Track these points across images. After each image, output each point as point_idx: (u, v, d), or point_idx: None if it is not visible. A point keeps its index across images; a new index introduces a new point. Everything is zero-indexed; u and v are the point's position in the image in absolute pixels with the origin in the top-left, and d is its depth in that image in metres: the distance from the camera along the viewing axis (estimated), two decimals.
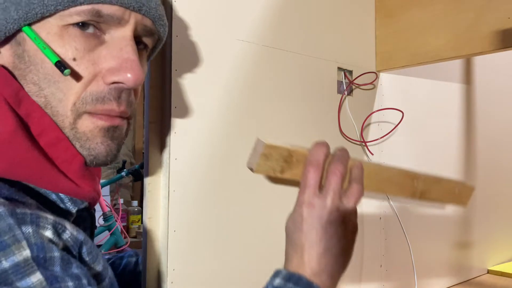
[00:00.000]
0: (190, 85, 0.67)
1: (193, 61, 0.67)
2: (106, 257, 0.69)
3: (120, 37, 0.44)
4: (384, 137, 0.97)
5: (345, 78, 0.90)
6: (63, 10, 0.41)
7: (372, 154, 0.95)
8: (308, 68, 0.83)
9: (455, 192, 0.71)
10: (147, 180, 0.64)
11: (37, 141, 0.40)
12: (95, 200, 0.46)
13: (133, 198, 2.91)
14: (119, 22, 0.43)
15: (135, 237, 2.44)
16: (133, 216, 2.51)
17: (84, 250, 0.39)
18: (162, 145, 0.65)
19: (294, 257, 0.50)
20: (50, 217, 0.36)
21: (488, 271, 1.35)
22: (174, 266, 0.63)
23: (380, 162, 0.98)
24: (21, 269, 0.31)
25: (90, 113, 0.43)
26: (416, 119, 1.09)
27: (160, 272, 0.63)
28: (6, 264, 0.31)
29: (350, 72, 0.92)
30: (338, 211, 0.50)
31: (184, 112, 0.66)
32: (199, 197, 0.67)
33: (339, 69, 0.89)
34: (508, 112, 1.47)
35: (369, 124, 0.96)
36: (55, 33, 0.41)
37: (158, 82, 0.66)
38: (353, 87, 0.92)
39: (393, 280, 1.01)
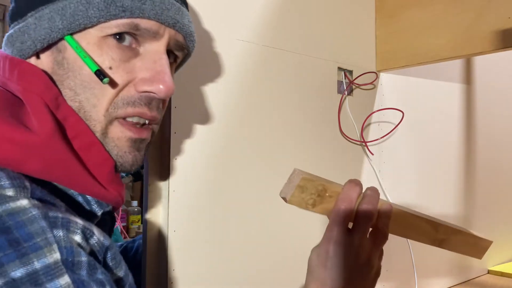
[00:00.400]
0: (190, 85, 0.67)
1: (193, 61, 0.67)
2: (119, 243, 0.71)
3: (154, 50, 0.46)
4: (384, 137, 0.97)
5: (345, 78, 0.90)
6: (105, 22, 0.43)
7: (372, 154, 0.95)
8: (308, 68, 0.83)
9: (472, 244, 0.73)
10: (147, 180, 0.64)
11: (71, 144, 0.42)
12: (119, 204, 0.47)
13: (133, 198, 2.91)
14: (155, 36, 0.46)
15: (134, 237, 2.43)
16: (133, 216, 2.51)
17: (109, 255, 0.39)
18: (162, 145, 0.65)
19: None
20: (80, 221, 0.37)
21: (489, 271, 1.35)
22: (174, 266, 0.63)
23: (381, 161, 0.98)
24: (51, 271, 0.32)
25: (120, 121, 0.45)
26: (416, 119, 1.09)
27: (160, 272, 0.63)
28: (37, 265, 0.32)
29: (350, 72, 0.92)
30: (365, 254, 0.50)
31: (184, 112, 0.66)
32: (199, 197, 0.67)
33: (339, 69, 0.89)
34: (508, 112, 1.47)
35: (369, 124, 0.96)
36: (94, 43, 0.44)
37: None
38: (353, 87, 0.92)
39: (394, 280, 1.01)
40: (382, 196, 0.98)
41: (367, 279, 0.50)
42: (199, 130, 0.67)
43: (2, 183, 0.34)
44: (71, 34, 0.44)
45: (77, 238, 0.36)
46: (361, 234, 0.50)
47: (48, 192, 0.39)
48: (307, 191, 0.52)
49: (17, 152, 0.37)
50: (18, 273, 0.31)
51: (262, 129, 0.75)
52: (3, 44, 0.46)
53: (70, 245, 0.35)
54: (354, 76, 0.92)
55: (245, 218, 0.72)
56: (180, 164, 0.65)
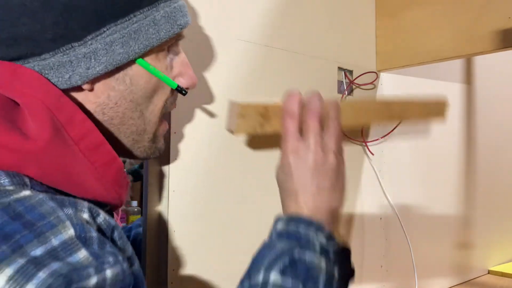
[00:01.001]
0: None
1: (193, 61, 0.67)
2: None
3: (179, 50, 0.53)
4: (385, 137, 0.97)
5: (345, 78, 0.90)
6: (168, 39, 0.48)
7: (373, 154, 0.95)
8: (309, 68, 0.83)
9: (430, 108, 0.78)
10: (147, 180, 0.64)
11: (76, 146, 0.41)
12: (118, 206, 0.47)
13: (132, 198, 2.90)
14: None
15: None
16: (132, 216, 2.51)
17: (116, 234, 0.40)
18: None
19: (290, 204, 0.53)
20: (85, 202, 0.38)
21: (489, 272, 1.35)
22: (173, 266, 0.63)
23: (381, 161, 0.98)
24: (68, 246, 0.33)
25: (162, 120, 0.52)
26: None
27: (160, 272, 0.63)
28: (55, 242, 0.32)
29: (351, 72, 0.91)
30: (322, 151, 0.53)
31: (184, 112, 0.66)
32: (199, 197, 0.67)
33: (340, 69, 0.89)
34: (508, 112, 1.47)
35: (369, 129, 0.96)
36: (154, 57, 0.48)
37: None
38: (353, 87, 0.92)
39: (394, 280, 1.01)
40: (382, 196, 0.99)
41: (334, 173, 0.54)
42: (199, 130, 0.67)
43: (2, 181, 0.34)
44: (142, 56, 0.46)
45: (85, 215, 0.37)
46: (314, 135, 0.53)
47: (48, 188, 0.39)
48: (249, 117, 0.56)
49: (13, 159, 0.36)
50: (38, 251, 0.31)
51: None
52: (39, 72, 0.42)
53: (80, 222, 0.36)
54: (354, 76, 0.92)
55: (246, 218, 0.72)
56: (180, 164, 0.65)
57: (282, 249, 0.47)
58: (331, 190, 0.54)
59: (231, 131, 0.56)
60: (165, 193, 0.64)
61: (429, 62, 0.90)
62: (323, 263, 0.47)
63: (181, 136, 0.65)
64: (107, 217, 0.40)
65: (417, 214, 1.08)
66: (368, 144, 0.94)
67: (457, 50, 0.85)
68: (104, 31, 0.42)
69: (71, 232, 0.34)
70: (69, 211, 0.35)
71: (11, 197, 0.33)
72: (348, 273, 0.53)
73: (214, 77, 0.69)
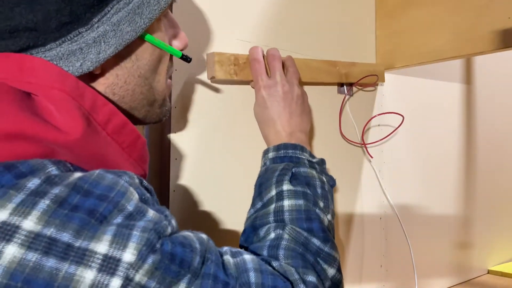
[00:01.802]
0: (190, 85, 0.67)
1: (193, 61, 0.67)
2: None
3: (167, 10, 0.51)
4: (384, 139, 0.97)
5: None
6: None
7: (372, 157, 0.95)
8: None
9: (370, 70, 0.91)
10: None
11: (104, 131, 0.41)
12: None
13: None
14: None
15: None
16: None
17: (155, 198, 0.41)
18: (162, 145, 0.65)
19: (270, 132, 0.66)
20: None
21: (489, 271, 1.35)
22: None
23: (381, 161, 0.98)
24: (140, 209, 0.35)
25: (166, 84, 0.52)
26: (416, 119, 1.09)
27: None
28: (130, 207, 0.35)
29: None
30: (288, 83, 0.68)
31: (184, 112, 0.66)
32: (199, 197, 0.67)
33: None
34: (509, 112, 1.47)
35: (369, 128, 0.96)
36: (154, 28, 0.47)
37: None
38: (354, 89, 0.92)
39: (394, 280, 1.01)
40: (382, 196, 0.99)
41: (300, 100, 0.68)
42: (199, 130, 0.67)
43: (50, 169, 0.34)
44: (149, 32, 0.46)
45: (137, 181, 0.38)
46: (279, 72, 0.68)
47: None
48: (225, 64, 0.66)
49: (46, 150, 0.36)
50: (119, 219, 0.34)
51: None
52: (52, 61, 0.41)
53: (137, 186, 0.38)
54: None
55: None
56: (180, 164, 0.65)
57: (283, 168, 0.58)
58: (301, 115, 0.68)
59: (213, 77, 0.65)
60: (165, 193, 0.64)
61: (429, 62, 0.90)
62: (314, 172, 0.60)
63: (181, 136, 0.65)
64: (146, 183, 0.41)
65: (417, 214, 1.08)
66: (368, 146, 0.94)
67: (457, 50, 0.85)
68: (109, 11, 0.41)
69: (136, 196, 0.36)
70: (126, 178, 0.37)
71: (71, 178, 0.34)
72: (330, 179, 0.63)
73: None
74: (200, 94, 0.68)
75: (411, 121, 1.08)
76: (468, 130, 1.28)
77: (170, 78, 0.56)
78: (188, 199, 0.66)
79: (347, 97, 0.90)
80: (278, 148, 0.63)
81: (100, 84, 0.44)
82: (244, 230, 0.57)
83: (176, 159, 0.64)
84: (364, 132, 0.94)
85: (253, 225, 0.55)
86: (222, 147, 0.70)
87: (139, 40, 0.45)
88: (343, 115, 0.90)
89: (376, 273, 0.97)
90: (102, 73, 0.44)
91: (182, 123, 0.65)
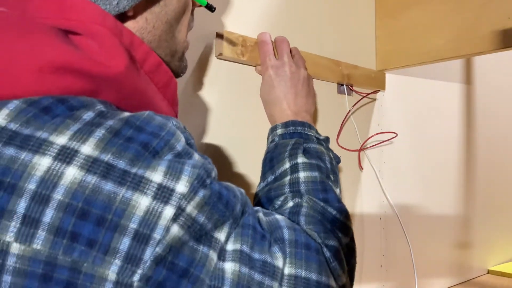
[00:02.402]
0: (190, 85, 0.67)
1: (193, 61, 0.67)
2: None
3: None
4: (378, 145, 0.97)
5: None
6: None
7: (362, 168, 0.95)
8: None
9: (372, 76, 0.93)
10: None
11: (142, 69, 0.42)
12: None
13: None
14: None
15: None
16: None
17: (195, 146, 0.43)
18: None
19: (276, 110, 0.67)
20: None
21: (488, 271, 1.35)
22: None
23: (381, 161, 0.98)
24: (187, 151, 0.36)
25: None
26: (416, 119, 1.09)
27: None
28: (179, 147, 0.35)
29: None
30: (295, 65, 0.70)
31: (184, 112, 0.66)
32: None
33: None
34: (509, 112, 1.47)
35: (369, 129, 0.96)
36: None
37: None
38: (353, 93, 0.92)
39: (393, 280, 1.01)
40: (381, 196, 0.99)
41: (305, 82, 0.70)
42: (199, 129, 0.67)
43: (99, 107, 0.35)
44: None
45: (182, 126, 0.39)
46: (287, 54, 0.70)
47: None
48: (233, 43, 0.68)
49: (92, 84, 0.36)
50: (169, 156, 0.34)
51: (264, 129, 0.75)
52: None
53: (183, 130, 0.39)
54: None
55: None
56: None
57: (294, 143, 0.59)
58: (306, 96, 0.69)
59: (220, 54, 0.67)
60: None
61: (429, 62, 0.90)
62: (323, 148, 0.61)
63: None
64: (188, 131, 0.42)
65: (417, 214, 1.08)
66: (367, 147, 0.95)
67: (457, 50, 0.85)
68: None
69: (183, 139, 0.37)
70: (174, 121, 0.38)
71: (122, 115, 0.35)
72: (335, 156, 0.64)
73: (214, 76, 0.69)
74: (200, 94, 0.68)
75: (411, 121, 1.08)
76: (468, 130, 1.28)
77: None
78: None
79: (355, 102, 0.90)
80: (286, 124, 0.64)
81: (131, 28, 0.45)
82: (258, 202, 0.57)
83: None
84: (364, 144, 0.94)
85: (268, 197, 0.55)
86: (222, 147, 0.70)
87: None
88: (342, 114, 0.90)
89: (376, 273, 0.97)
90: (133, 16, 0.45)
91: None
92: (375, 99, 0.98)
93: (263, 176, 0.60)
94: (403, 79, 1.05)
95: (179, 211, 0.32)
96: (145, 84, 0.42)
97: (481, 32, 0.81)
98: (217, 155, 0.70)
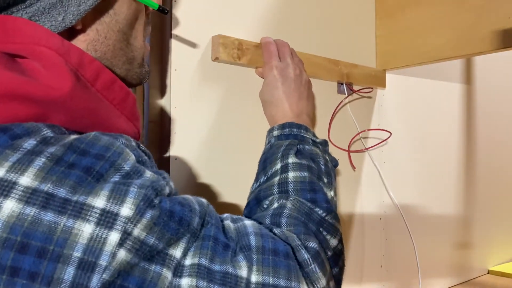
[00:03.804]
0: (190, 85, 0.67)
1: (193, 61, 0.67)
2: None
3: None
4: (383, 143, 0.97)
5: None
6: None
7: (355, 168, 0.95)
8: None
9: (372, 74, 0.93)
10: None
11: (94, 87, 0.41)
12: (137, 139, 0.48)
13: None
14: None
15: None
16: None
17: (154, 163, 0.41)
18: (162, 145, 0.65)
19: (278, 111, 0.68)
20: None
21: (489, 272, 1.35)
22: None
23: (381, 162, 0.98)
24: (137, 169, 0.35)
25: (144, 43, 0.51)
26: (416, 119, 1.09)
27: None
28: (127, 167, 0.35)
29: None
30: (297, 68, 0.71)
31: (184, 112, 0.66)
32: (199, 197, 0.67)
33: None
34: (508, 111, 1.47)
35: (369, 129, 0.96)
36: None
37: (158, 82, 0.66)
38: (353, 87, 0.92)
39: (394, 280, 1.01)
40: (382, 196, 0.99)
41: (306, 86, 0.71)
42: (199, 130, 0.67)
43: (45, 132, 0.34)
44: None
45: (133, 143, 0.39)
46: (290, 57, 0.71)
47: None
48: (228, 47, 0.68)
49: (39, 109, 0.35)
50: (116, 177, 0.34)
51: (263, 128, 0.75)
52: (33, 18, 0.40)
53: (134, 148, 0.38)
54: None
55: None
56: (180, 164, 0.65)
57: (288, 144, 0.59)
58: (307, 99, 0.70)
59: (217, 58, 0.67)
60: None
61: (429, 62, 0.90)
62: (318, 150, 0.61)
63: (181, 136, 0.65)
64: (143, 148, 0.41)
65: (417, 215, 1.08)
66: (368, 149, 0.95)
67: (457, 50, 0.85)
68: None
69: (133, 157, 0.36)
70: (122, 140, 0.37)
71: (67, 139, 0.34)
72: (333, 159, 0.64)
73: (214, 76, 0.69)
74: (200, 94, 0.68)
75: (411, 121, 1.08)
76: (468, 130, 1.28)
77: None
78: None
79: (347, 99, 0.90)
80: (283, 126, 0.64)
81: (81, 42, 0.44)
82: (248, 203, 0.56)
83: (176, 159, 0.64)
84: (352, 143, 0.94)
85: (257, 197, 0.55)
86: (222, 147, 0.70)
87: None
88: (342, 114, 0.90)
89: (376, 273, 0.97)
90: (83, 29, 0.44)
91: (182, 123, 0.65)
92: (371, 97, 0.98)
93: (256, 177, 0.60)
94: (403, 79, 1.05)
95: (125, 235, 0.31)
96: (96, 102, 0.41)
97: (481, 32, 0.81)
98: (214, 157, 0.70)
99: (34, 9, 0.40)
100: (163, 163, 0.65)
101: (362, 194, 0.94)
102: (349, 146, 0.90)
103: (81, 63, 0.40)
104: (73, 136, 0.35)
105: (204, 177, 0.68)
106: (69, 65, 0.39)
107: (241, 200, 0.71)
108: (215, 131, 0.69)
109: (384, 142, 0.97)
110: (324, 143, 0.65)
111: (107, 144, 0.35)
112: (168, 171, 0.64)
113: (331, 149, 0.87)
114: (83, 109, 0.39)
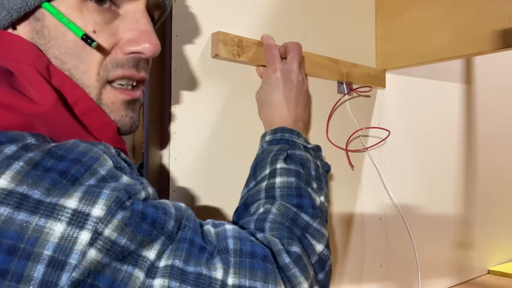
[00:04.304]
0: (190, 85, 0.67)
1: (193, 61, 0.67)
2: None
3: (135, 10, 0.46)
4: (382, 142, 0.97)
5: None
6: None
7: (353, 166, 0.95)
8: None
9: (372, 74, 0.93)
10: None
11: (73, 111, 0.42)
12: None
13: None
14: None
15: None
16: None
17: (135, 171, 0.42)
18: (162, 145, 0.65)
19: (276, 114, 0.67)
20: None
21: (489, 272, 1.35)
22: None
23: (381, 162, 0.98)
24: (113, 174, 0.36)
25: (112, 85, 0.46)
26: (416, 119, 1.09)
27: None
28: (102, 172, 0.36)
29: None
30: (300, 75, 0.70)
31: (184, 112, 0.66)
32: (199, 197, 0.67)
33: None
34: (508, 112, 1.47)
35: (368, 128, 0.96)
36: (74, 8, 0.43)
37: (158, 82, 0.66)
38: (353, 86, 0.92)
39: (394, 280, 1.01)
40: (382, 196, 0.99)
41: (305, 93, 0.71)
42: (199, 130, 0.67)
43: (29, 140, 0.35)
44: (49, 0, 0.42)
45: (113, 151, 0.39)
46: (297, 62, 0.70)
47: None
48: (228, 43, 0.68)
49: (24, 120, 0.37)
50: (91, 181, 0.35)
51: (260, 129, 0.75)
52: None
53: (112, 155, 0.38)
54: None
55: None
56: (180, 164, 0.65)
57: (278, 149, 0.59)
58: (305, 106, 0.70)
59: (216, 55, 0.67)
60: (165, 193, 0.64)
61: (429, 62, 0.90)
62: (309, 156, 0.61)
63: (181, 136, 0.65)
64: (124, 156, 0.42)
65: (418, 215, 1.08)
66: (368, 149, 0.95)
67: (457, 50, 0.85)
68: None
69: (110, 163, 0.37)
70: (101, 147, 0.38)
71: (47, 146, 0.35)
72: (325, 164, 0.64)
73: (214, 76, 0.69)
74: (200, 94, 0.68)
75: (411, 121, 1.08)
76: (468, 130, 1.28)
77: (139, 86, 0.49)
78: (188, 199, 0.66)
79: (346, 97, 0.90)
80: (275, 131, 0.64)
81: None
82: (237, 209, 0.57)
83: (176, 159, 0.64)
84: (349, 141, 0.93)
85: (245, 203, 0.55)
86: (222, 147, 0.70)
87: (45, 11, 0.43)
88: (342, 114, 0.90)
89: (376, 273, 0.97)
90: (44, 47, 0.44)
91: (182, 123, 0.65)
92: (369, 96, 0.98)
93: (247, 182, 0.61)
94: (403, 79, 1.05)
95: (96, 235, 0.32)
96: (76, 123, 0.42)
97: (481, 32, 0.81)
98: (215, 157, 0.70)
99: None
100: (163, 163, 0.65)
101: (362, 194, 0.94)
102: (347, 145, 0.90)
103: (62, 87, 0.42)
104: (53, 143, 0.36)
105: (204, 177, 0.68)
106: (51, 85, 0.40)
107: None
108: (215, 131, 0.69)
109: (384, 141, 0.97)
110: (317, 149, 0.65)
111: (84, 150, 0.36)
112: (168, 171, 0.64)
113: (330, 148, 0.87)
114: (64, 126, 0.40)
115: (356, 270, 0.92)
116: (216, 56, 0.67)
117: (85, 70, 0.44)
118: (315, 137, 0.84)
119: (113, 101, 0.46)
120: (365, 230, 0.94)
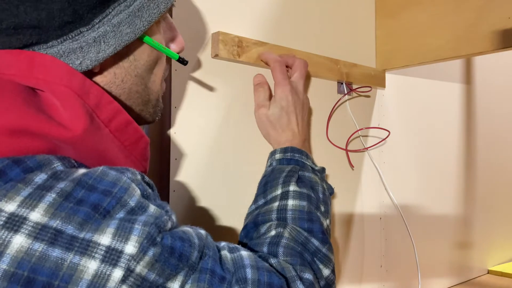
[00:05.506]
0: (190, 85, 0.67)
1: (193, 61, 0.67)
2: None
3: (166, 16, 0.53)
4: (382, 142, 0.97)
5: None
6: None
7: (353, 166, 0.95)
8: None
9: (371, 74, 0.94)
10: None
11: (107, 128, 0.43)
12: None
13: None
14: None
15: None
16: None
17: (156, 192, 0.43)
18: (162, 145, 0.65)
19: (283, 135, 0.68)
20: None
21: (489, 272, 1.35)
22: None
23: (381, 162, 0.98)
24: (142, 204, 0.37)
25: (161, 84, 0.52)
26: (416, 119, 1.09)
27: None
28: (132, 203, 0.36)
29: None
30: (305, 93, 0.72)
31: (184, 112, 0.66)
32: (199, 197, 0.67)
33: None
34: (509, 112, 1.47)
35: (368, 129, 0.96)
36: (153, 30, 0.48)
37: None
38: (353, 86, 0.92)
39: (394, 280, 1.01)
40: (382, 196, 0.99)
41: (306, 110, 0.72)
42: (199, 130, 0.67)
43: (55, 165, 0.36)
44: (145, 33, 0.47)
45: (139, 177, 0.40)
46: (303, 81, 0.72)
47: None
48: (228, 43, 0.68)
49: (48, 144, 0.37)
50: (121, 214, 0.35)
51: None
52: (52, 59, 0.41)
53: (139, 182, 0.39)
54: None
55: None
56: (180, 164, 0.65)
57: (290, 170, 0.61)
58: (307, 126, 0.73)
59: (216, 55, 0.67)
60: (164, 193, 0.64)
61: (429, 62, 0.90)
62: (317, 178, 0.63)
63: (181, 136, 0.65)
64: (148, 179, 0.42)
65: (418, 215, 1.08)
66: (369, 149, 0.94)
67: (457, 50, 0.85)
68: (110, 12, 0.42)
69: (138, 192, 0.38)
70: (129, 174, 0.38)
71: (76, 174, 0.36)
72: (329, 187, 0.67)
73: (214, 76, 0.69)
74: (200, 94, 0.68)
75: (411, 121, 1.08)
76: (468, 130, 1.28)
77: (166, 80, 0.55)
78: (188, 199, 0.66)
79: (346, 97, 0.90)
80: (285, 150, 0.66)
81: (98, 82, 0.45)
82: (245, 226, 0.58)
83: (176, 159, 0.64)
84: (349, 141, 0.94)
85: (255, 222, 0.57)
86: (222, 147, 0.70)
87: (138, 41, 0.46)
88: (342, 114, 0.90)
89: (376, 273, 0.97)
90: (100, 71, 0.45)
91: (182, 123, 0.65)
92: (369, 96, 0.98)
93: (255, 198, 0.62)
94: (403, 79, 1.05)
95: (128, 272, 0.33)
96: (107, 142, 0.42)
97: (481, 32, 0.81)
98: (215, 157, 0.70)
99: (55, 51, 0.41)
100: (163, 163, 0.65)
101: (362, 194, 0.94)
102: (347, 145, 0.90)
103: (98, 104, 0.42)
104: (82, 171, 0.36)
105: (204, 177, 0.68)
106: (86, 107, 0.40)
107: (242, 201, 0.71)
108: (215, 131, 0.69)
109: (384, 141, 0.97)
110: (322, 171, 0.68)
111: (114, 180, 0.37)
112: (168, 171, 0.64)
113: (330, 148, 0.87)
114: (92, 150, 0.40)
115: (356, 270, 0.92)
116: (216, 56, 0.67)
117: (154, 79, 0.50)
118: (315, 137, 0.84)
119: (162, 92, 0.53)
120: (365, 230, 0.94)
